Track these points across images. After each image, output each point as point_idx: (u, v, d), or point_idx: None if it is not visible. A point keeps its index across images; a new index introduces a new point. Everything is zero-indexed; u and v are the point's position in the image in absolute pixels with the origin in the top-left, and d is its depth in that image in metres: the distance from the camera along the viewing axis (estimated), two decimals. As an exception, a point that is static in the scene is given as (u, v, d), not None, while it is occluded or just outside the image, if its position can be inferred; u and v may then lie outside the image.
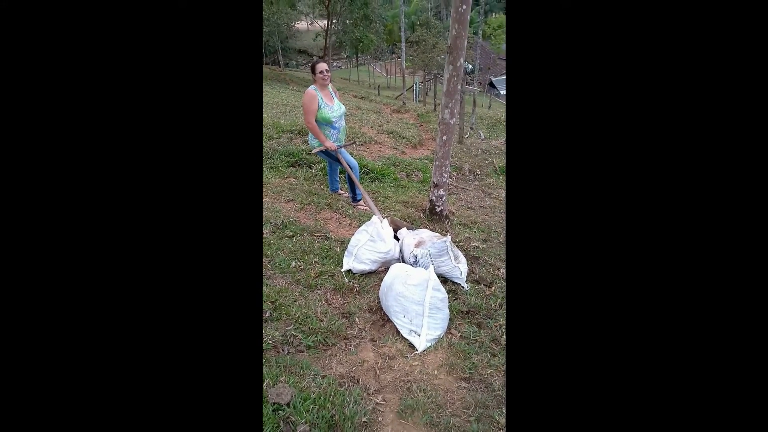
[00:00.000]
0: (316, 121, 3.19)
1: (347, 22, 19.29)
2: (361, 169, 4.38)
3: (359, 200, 3.59)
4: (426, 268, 2.19)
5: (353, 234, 2.65)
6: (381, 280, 2.29)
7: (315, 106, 3.14)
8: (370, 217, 2.70)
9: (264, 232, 2.78)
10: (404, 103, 11.45)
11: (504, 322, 2.11)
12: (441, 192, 3.34)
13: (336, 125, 3.30)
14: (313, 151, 3.36)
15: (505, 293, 2.38)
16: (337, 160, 3.37)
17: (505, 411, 1.55)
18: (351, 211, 3.40)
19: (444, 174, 3.27)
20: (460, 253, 2.55)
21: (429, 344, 1.92)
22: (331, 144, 3.23)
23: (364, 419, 1.48)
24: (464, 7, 2.78)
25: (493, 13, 36.73)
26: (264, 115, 6.10)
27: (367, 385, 1.66)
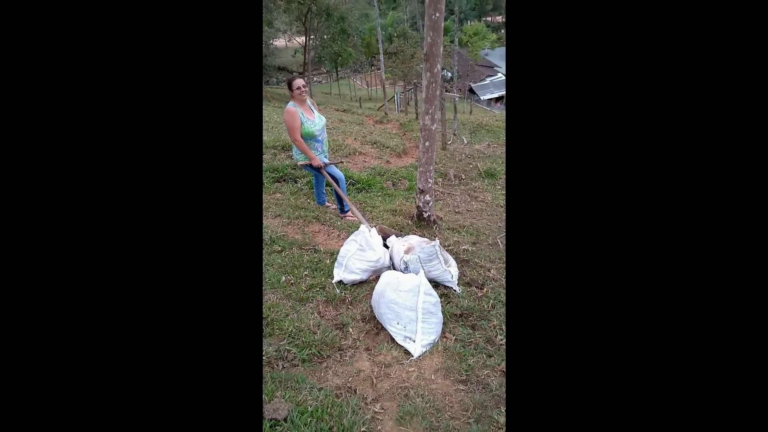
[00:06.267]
0: (301, 136, 3.20)
1: (325, 37, 19.42)
2: (347, 181, 4.38)
3: (347, 211, 3.59)
4: (417, 273, 2.20)
5: (342, 245, 2.64)
6: (372, 289, 2.28)
7: (297, 123, 3.16)
8: (359, 227, 2.70)
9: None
10: (386, 114, 11.54)
11: (498, 323, 2.11)
12: (427, 198, 3.36)
13: (319, 138, 3.32)
14: (299, 164, 3.38)
15: (496, 294, 2.40)
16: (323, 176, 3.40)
17: (504, 410, 1.55)
18: (339, 223, 3.39)
19: (429, 180, 3.29)
20: (450, 257, 2.56)
21: (424, 349, 1.92)
22: (318, 162, 3.28)
23: (363, 429, 1.47)
24: (437, 14, 2.84)
25: (468, 21, 37.40)
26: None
27: (365, 395, 1.65)
